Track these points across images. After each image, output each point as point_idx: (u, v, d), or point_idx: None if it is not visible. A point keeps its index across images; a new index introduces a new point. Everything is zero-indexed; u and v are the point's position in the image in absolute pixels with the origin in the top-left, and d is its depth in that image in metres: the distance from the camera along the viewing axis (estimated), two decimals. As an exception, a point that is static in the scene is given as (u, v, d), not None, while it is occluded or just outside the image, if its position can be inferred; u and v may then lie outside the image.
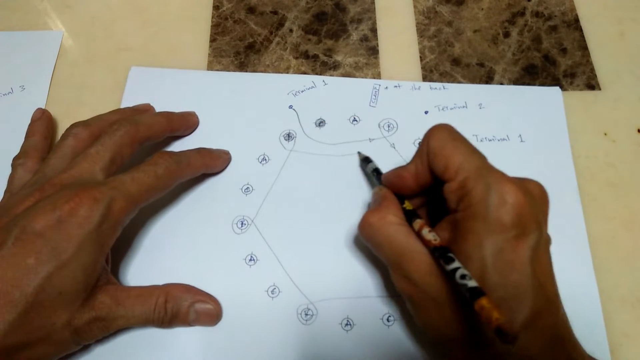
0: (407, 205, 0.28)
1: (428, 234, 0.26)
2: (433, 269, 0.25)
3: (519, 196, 0.24)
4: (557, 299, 0.25)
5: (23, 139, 0.34)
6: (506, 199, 0.24)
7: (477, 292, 0.22)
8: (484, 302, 0.21)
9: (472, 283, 0.22)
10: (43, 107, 0.38)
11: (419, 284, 0.25)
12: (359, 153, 0.36)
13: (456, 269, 0.23)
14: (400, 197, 0.29)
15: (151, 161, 0.30)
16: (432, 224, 0.27)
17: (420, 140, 0.36)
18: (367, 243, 0.28)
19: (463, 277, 0.23)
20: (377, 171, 0.33)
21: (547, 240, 0.25)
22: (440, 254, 0.24)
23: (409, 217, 0.27)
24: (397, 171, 0.29)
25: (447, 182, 0.26)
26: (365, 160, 0.35)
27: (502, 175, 0.25)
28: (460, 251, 0.24)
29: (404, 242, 0.26)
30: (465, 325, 0.24)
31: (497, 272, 0.23)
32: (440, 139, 0.27)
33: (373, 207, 0.29)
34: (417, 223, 0.27)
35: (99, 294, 0.27)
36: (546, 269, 0.25)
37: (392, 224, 0.27)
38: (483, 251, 0.23)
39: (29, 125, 0.35)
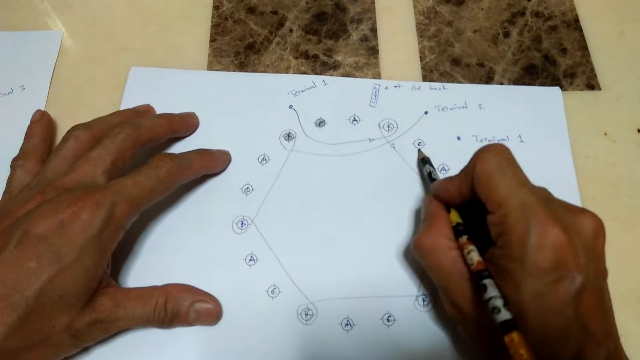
0: (454, 217, 0.28)
1: (467, 255, 0.25)
2: (474, 296, 0.24)
3: (560, 238, 0.22)
4: (607, 337, 0.24)
5: (22, 140, 0.34)
6: (545, 242, 0.22)
7: (509, 326, 0.22)
8: (513, 336, 0.21)
9: (502, 316, 0.22)
10: (43, 107, 0.38)
11: (464, 311, 0.25)
12: (419, 151, 0.35)
13: (489, 299, 0.23)
14: (448, 205, 0.29)
15: (152, 164, 0.30)
16: (480, 227, 0.26)
17: (420, 141, 0.37)
18: (420, 262, 0.28)
19: (494, 309, 0.22)
20: (430, 175, 0.33)
21: (597, 279, 0.24)
22: (476, 281, 0.24)
23: (455, 233, 0.27)
24: (445, 184, 0.28)
25: (489, 212, 0.25)
26: (423, 161, 0.34)
27: (546, 214, 0.23)
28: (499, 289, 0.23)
29: (451, 268, 0.26)
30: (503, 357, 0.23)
31: (535, 315, 0.22)
32: (488, 165, 0.25)
33: (424, 226, 0.28)
34: (460, 242, 0.26)
35: (99, 297, 0.27)
36: (593, 310, 0.23)
37: (442, 247, 0.26)
38: (520, 294, 0.23)
39: (29, 126, 0.35)
